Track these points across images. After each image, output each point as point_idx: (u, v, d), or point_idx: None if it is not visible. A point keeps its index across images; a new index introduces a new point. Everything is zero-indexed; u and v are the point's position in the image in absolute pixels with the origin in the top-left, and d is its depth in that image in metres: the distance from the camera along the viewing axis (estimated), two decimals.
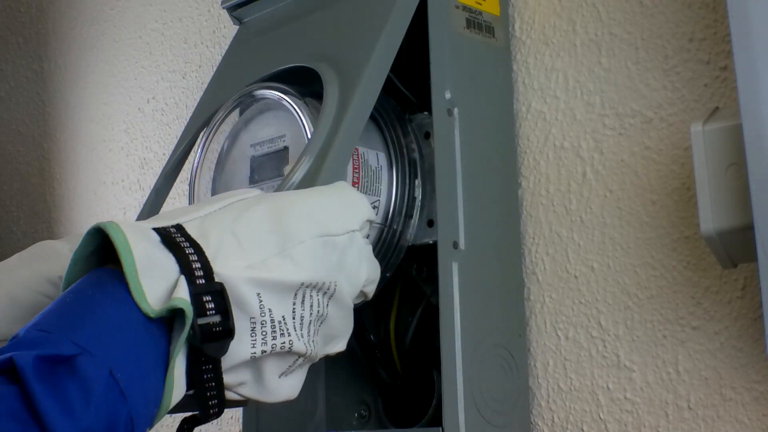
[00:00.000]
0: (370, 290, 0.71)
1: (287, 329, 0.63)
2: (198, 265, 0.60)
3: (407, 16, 0.83)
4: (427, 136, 0.86)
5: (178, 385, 0.59)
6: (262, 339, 0.62)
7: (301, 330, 0.65)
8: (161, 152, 1.31)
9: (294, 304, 0.64)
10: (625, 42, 0.87)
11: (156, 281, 0.59)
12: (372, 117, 0.87)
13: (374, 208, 0.83)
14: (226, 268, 0.61)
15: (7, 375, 0.53)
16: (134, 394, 0.56)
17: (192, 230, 0.63)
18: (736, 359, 0.78)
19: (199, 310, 0.59)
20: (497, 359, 0.84)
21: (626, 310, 0.84)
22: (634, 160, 0.85)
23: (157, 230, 0.61)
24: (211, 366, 0.61)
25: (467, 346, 0.81)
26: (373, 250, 0.83)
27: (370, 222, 0.71)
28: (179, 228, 0.63)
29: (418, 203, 0.85)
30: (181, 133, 0.92)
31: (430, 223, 0.85)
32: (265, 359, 0.64)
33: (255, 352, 0.62)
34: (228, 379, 0.62)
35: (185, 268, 0.60)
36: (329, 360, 0.98)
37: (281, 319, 0.63)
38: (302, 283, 0.64)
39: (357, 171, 0.82)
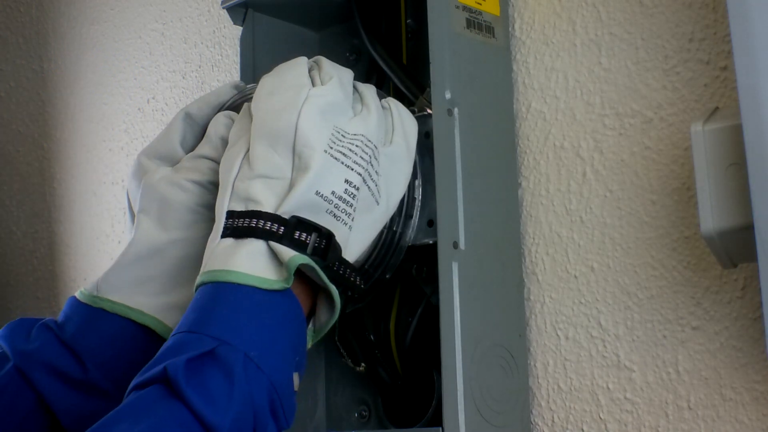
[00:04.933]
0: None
1: (353, 191, 0.73)
2: (267, 223, 0.70)
3: None
4: (427, 136, 0.86)
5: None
6: (346, 214, 0.72)
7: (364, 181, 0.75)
8: None
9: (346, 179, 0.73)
10: (625, 42, 0.87)
11: (256, 263, 0.69)
12: None
13: None
14: (284, 204, 0.70)
15: (164, 383, 0.64)
16: (269, 363, 0.66)
17: (236, 204, 0.72)
18: (736, 359, 0.78)
19: (300, 246, 0.70)
20: (497, 359, 0.84)
21: (626, 310, 0.84)
22: (634, 160, 0.85)
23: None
24: (339, 263, 0.72)
25: (467, 346, 0.81)
26: (373, 251, 0.84)
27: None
28: (229, 214, 0.72)
29: (418, 203, 0.85)
30: None
31: (430, 223, 0.84)
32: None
33: (351, 225, 0.73)
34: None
35: (262, 235, 0.70)
36: (329, 360, 0.99)
37: (344, 190, 0.72)
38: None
39: None
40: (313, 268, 0.70)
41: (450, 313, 0.81)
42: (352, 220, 0.73)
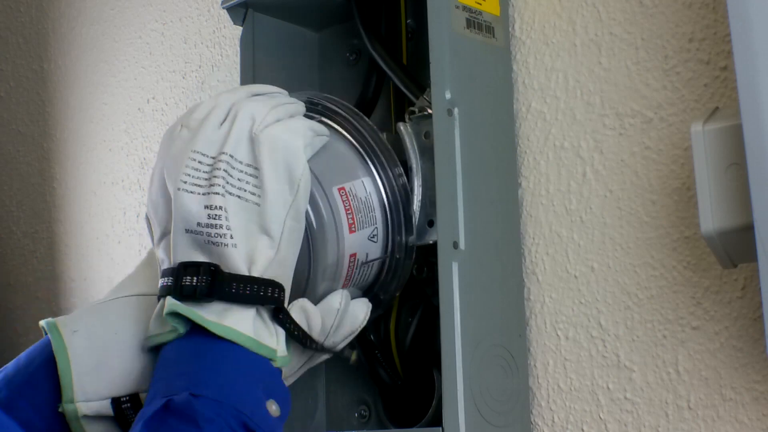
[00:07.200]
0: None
1: (218, 212, 0.72)
2: (165, 279, 0.72)
3: None
4: (427, 136, 0.86)
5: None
6: (221, 236, 0.72)
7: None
8: None
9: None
10: (625, 42, 0.87)
11: (156, 322, 0.73)
12: (346, 140, 0.84)
13: (374, 236, 0.82)
14: (171, 255, 0.73)
15: None
16: (217, 393, 0.67)
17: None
18: (736, 359, 0.78)
19: (189, 292, 0.70)
20: (497, 359, 0.84)
21: (626, 310, 0.84)
22: (634, 160, 0.85)
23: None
24: (238, 286, 0.71)
25: (467, 346, 0.81)
26: (378, 278, 0.84)
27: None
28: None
29: (418, 203, 0.84)
30: None
31: (430, 223, 0.84)
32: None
33: (236, 243, 0.72)
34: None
35: (163, 292, 0.72)
36: (329, 360, 0.99)
37: (207, 215, 0.72)
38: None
39: (350, 212, 0.80)
40: (188, 312, 0.70)
41: (450, 313, 0.81)
42: (232, 238, 0.71)
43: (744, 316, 0.78)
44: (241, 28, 0.99)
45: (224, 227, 0.71)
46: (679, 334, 0.81)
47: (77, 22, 1.47)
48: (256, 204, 0.72)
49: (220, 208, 0.71)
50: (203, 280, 0.70)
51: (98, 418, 0.76)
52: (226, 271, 0.71)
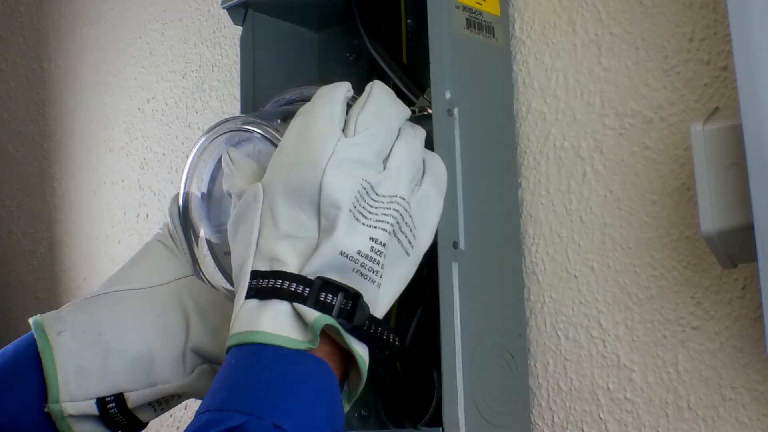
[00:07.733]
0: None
1: (380, 248, 0.70)
2: (292, 285, 0.68)
3: None
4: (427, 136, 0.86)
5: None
6: (374, 272, 0.69)
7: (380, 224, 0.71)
8: (161, 152, 1.31)
9: (370, 234, 0.70)
10: (625, 42, 0.87)
11: (281, 323, 0.67)
12: None
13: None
14: (308, 265, 0.68)
15: None
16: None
17: (260, 264, 0.69)
18: (736, 359, 0.78)
19: (325, 308, 0.67)
20: (497, 359, 0.84)
21: (626, 310, 0.84)
22: (634, 160, 0.85)
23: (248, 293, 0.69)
24: (369, 323, 0.69)
25: (467, 346, 0.81)
26: None
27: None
28: (253, 274, 0.69)
29: None
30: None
31: None
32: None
33: (381, 283, 0.70)
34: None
35: (287, 296, 0.67)
36: None
37: (370, 248, 0.69)
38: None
39: None
40: (337, 330, 0.67)
41: (450, 313, 0.81)
42: (380, 277, 0.70)
43: (744, 316, 0.78)
44: (241, 28, 0.99)
45: (380, 264, 0.70)
46: (679, 334, 0.81)
47: (77, 22, 1.47)
48: (406, 254, 0.72)
49: (383, 244, 0.70)
50: (345, 303, 0.68)
51: (84, 417, 0.77)
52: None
